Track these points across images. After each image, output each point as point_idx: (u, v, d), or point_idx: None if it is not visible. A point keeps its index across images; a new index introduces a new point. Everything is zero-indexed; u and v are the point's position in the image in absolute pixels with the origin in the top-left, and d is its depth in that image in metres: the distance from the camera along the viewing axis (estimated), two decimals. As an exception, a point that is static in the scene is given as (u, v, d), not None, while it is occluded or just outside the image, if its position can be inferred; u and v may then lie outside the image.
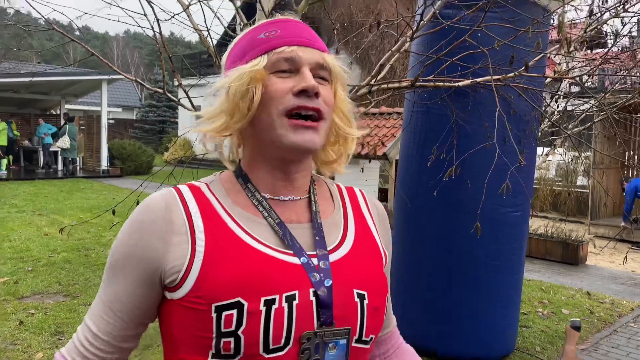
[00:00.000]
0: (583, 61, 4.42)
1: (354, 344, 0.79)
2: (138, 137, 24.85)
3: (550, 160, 11.53)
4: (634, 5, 3.06)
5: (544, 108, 4.90)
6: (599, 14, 2.94)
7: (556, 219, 9.33)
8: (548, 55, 3.38)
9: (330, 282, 0.78)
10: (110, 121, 17.40)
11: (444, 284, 3.47)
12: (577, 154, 10.92)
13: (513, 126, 3.14)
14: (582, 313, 4.81)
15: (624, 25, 3.41)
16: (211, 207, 0.81)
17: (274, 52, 0.79)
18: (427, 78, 2.58)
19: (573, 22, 4.02)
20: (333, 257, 0.81)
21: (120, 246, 0.80)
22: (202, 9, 2.74)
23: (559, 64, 4.42)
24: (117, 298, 0.80)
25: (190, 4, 2.69)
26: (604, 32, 4.81)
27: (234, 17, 3.41)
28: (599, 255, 7.08)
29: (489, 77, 2.44)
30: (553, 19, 3.46)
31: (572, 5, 3.18)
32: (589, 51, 6.56)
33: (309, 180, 0.89)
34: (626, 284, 5.89)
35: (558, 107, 4.51)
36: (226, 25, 3.32)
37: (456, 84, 2.52)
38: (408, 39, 2.46)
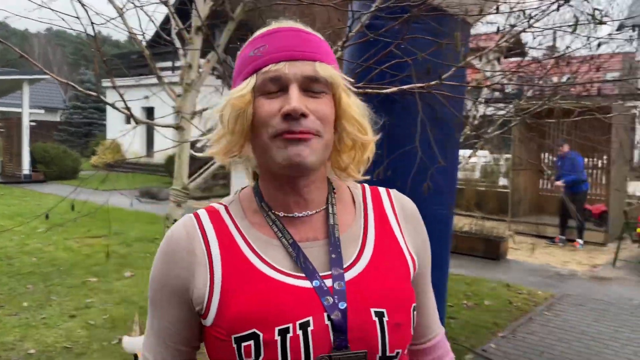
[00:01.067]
0: (502, 70, 4.80)
1: None
2: (63, 140, 23.65)
3: (475, 162, 12.22)
4: (539, 20, 3.36)
5: (465, 114, 5.24)
6: (507, 28, 3.23)
7: (480, 217, 9.91)
8: (467, 64, 3.65)
9: (345, 304, 0.76)
10: (32, 123, 16.44)
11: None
12: (498, 156, 11.63)
13: (437, 130, 3.37)
14: (502, 304, 5.19)
15: (534, 38, 3.76)
16: (228, 234, 0.82)
17: (260, 72, 0.78)
18: (358, 85, 2.74)
19: (489, 34, 4.36)
20: (349, 275, 0.79)
21: (153, 279, 0.85)
22: (138, 14, 2.75)
23: (480, 72, 4.75)
24: (166, 328, 0.84)
25: (124, 10, 2.69)
26: (523, 42, 5.24)
27: (167, 19, 3.42)
28: (518, 250, 7.61)
29: (413, 85, 2.63)
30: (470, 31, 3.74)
31: (484, 22, 3.46)
32: (510, 59, 7.07)
33: (324, 191, 0.86)
34: (542, 276, 6.39)
35: (478, 112, 4.86)
36: (160, 27, 3.33)
37: (384, 90, 2.70)
38: (339, 48, 2.61)
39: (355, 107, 0.82)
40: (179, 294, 0.81)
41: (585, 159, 9.96)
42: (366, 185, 0.94)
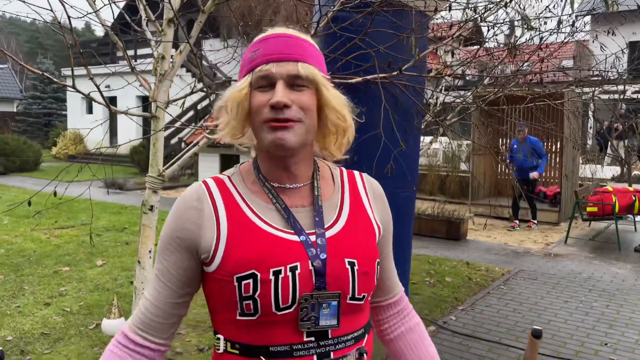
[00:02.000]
0: (460, 60, 5.05)
1: (348, 301, 0.98)
2: (21, 132, 22.95)
3: (437, 148, 12.60)
4: (493, 14, 3.60)
5: (425, 101, 5.49)
6: (464, 19, 3.45)
7: (442, 200, 10.28)
8: (427, 54, 3.88)
9: (325, 255, 0.96)
10: (-12, 114, 15.93)
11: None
12: (459, 141, 12.02)
13: (399, 117, 3.59)
14: (461, 280, 5.52)
15: (488, 30, 4.00)
16: (232, 197, 1.01)
17: (255, 71, 0.98)
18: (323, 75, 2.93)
19: (447, 23, 4.59)
20: (329, 233, 1.00)
21: (165, 231, 1.02)
22: (112, 9, 2.85)
23: (439, 61, 5.00)
24: (167, 271, 1.01)
25: (100, 7, 2.78)
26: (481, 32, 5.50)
27: (131, 8, 3.49)
28: (478, 231, 8.00)
29: (376, 75, 2.83)
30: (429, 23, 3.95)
31: (439, 16, 3.68)
32: (468, 48, 7.36)
33: (310, 168, 1.06)
34: (499, 254, 6.77)
35: (437, 100, 5.11)
36: (130, 19, 3.41)
37: (349, 80, 2.89)
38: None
39: (335, 99, 1.01)
40: (186, 244, 0.99)
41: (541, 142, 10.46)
42: (343, 168, 1.15)
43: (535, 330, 1.69)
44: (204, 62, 16.93)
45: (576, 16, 3.86)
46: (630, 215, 7.84)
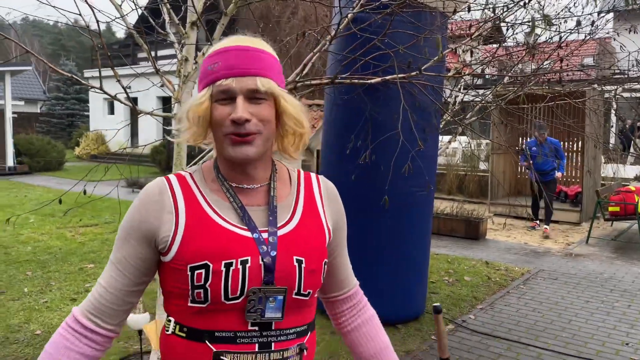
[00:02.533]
0: (480, 59, 5.04)
1: (294, 296, 1.05)
2: (45, 132, 23.44)
3: (456, 148, 12.53)
4: (514, 12, 3.61)
5: (444, 101, 5.49)
6: (484, 17, 3.46)
7: (461, 200, 10.24)
8: (447, 53, 3.89)
9: (275, 252, 1.03)
10: (13, 115, 16.32)
11: (365, 257, 3.92)
12: (479, 140, 11.94)
13: (418, 117, 3.62)
14: (480, 279, 5.51)
15: (507, 29, 4.01)
16: (192, 193, 1.07)
17: (215, 85, 1.02)
18: (344, 75, 2.97)
19: (466, 21, 4.59)
20: (281, 232, 1.06)
21: (126, 221, 1.07)
22: (137, 11, 2.93)
23: (459, 60, 5.00)
24: (124, 259, 1.06)
25: (127, 12, 2.87)
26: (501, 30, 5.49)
27: (154, 10, 3.57)
28: (497, 230, 7.96)
29: (395, 76, 2.87)
30: (450, 22, 3.97)
31: (458, 16, 3.69)
32: (490, 46, 7.32)
33: (268, 170, 1.12)
34: (519, 253, 6.73)
35: (456, 100, 5.11)
36: (154, 21, 3.50)
37: (369, 81, 2.93)
38: (327, 42, 2.82)
39: (292, 107, 1.07)
40: (145, 234, 1.04)
41: (561, 143, 10.35)
42: (301, 170, 1.22)
43: (435, 307, 1.89)
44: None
45: (598, 14, 3.84)
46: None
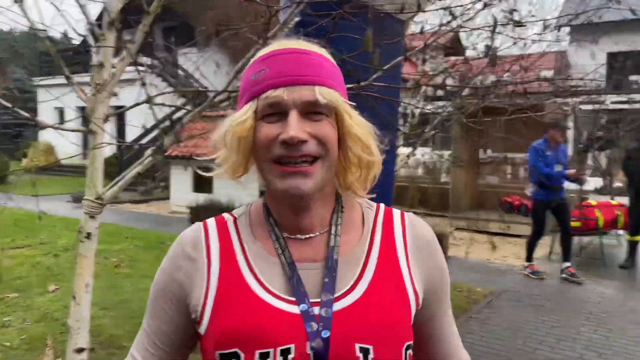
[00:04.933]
0: (438, 70, 4.79)
1: None
2: (-10, 143, 22.24)
3: (416, 157, 12.38)
4: (470, 20, 3.33)
5: (403, 113, 5.20)
6: (441, 26, 3.17)
7: (423, 213, 10.01)
8: (402, 64, 3.57)
9: (328, 333, 0.75)
10: (-47, 125, 15.34)
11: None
12: (440, 153, 11.82)
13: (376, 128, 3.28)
14: (443, 303, 5.20)
15: (467, 38, 3.74)
16: (230, 248, 0.85)
17: (260, 97, 0.78)
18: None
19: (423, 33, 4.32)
20: (342, 304, 0.78)
21: (156, 281, 0.88)
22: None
23: (417, 71, 4.72)
24: (159, 329, 0.87)
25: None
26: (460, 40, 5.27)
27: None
28: (458, 246, 7.72)
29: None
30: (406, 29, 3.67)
31: (414, 21, 3.41)
32: (450, 58, 7.13)
33: (329, 209, 0.86)
34: (481, 272, 6.49)
35: (414, 113, 4.83)
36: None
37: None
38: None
39: (359, 127, 0.82)
40: (178, 297, 0.84)
41: (522, 155, 10.31)
42: (382, 206, 0.92)
43: None
44: (179, 72, 16.56)
45: (558, 25, 3.63)
46: (614, 231, 7.63)
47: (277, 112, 0.78)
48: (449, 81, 4.74)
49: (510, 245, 8.16)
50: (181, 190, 10.79)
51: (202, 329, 0.81)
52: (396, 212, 0.92)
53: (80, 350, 2.72)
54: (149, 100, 2.61)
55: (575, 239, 8.20)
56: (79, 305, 2.74)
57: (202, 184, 10.56)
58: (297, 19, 2.90)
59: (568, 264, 6.06)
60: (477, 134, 8.14)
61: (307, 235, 0.83)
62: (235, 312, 0.78)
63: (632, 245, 6.79)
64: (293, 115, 0.77)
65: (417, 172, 12.50)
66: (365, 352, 0.76)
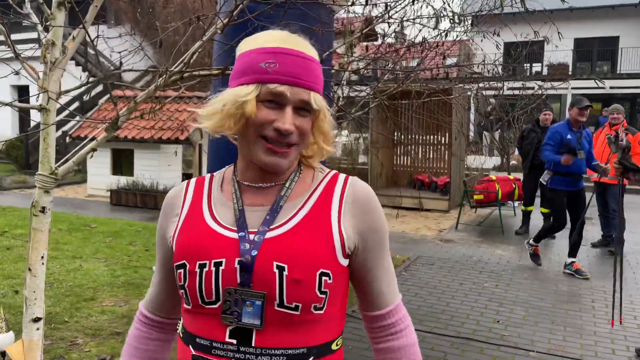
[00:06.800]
0: (360, 55, 5.18)
1: (277, 308, 0.93)
2: None
3: (338, 142, 12.90)
4: (397, 12, 3.73)
5: (332, 94, 5.56)
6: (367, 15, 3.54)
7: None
8: (334, 50, 3.92)
9: (256, 252, 0.95)
10: None
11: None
12: (359, 135, 12.40)
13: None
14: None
15: (389, 26, 4.14)
16: (200, 196, 1.09)
17: (266, 86, 0.96)
18: (234, 67, 2.84)
19: (350, 18, 4.69)
20: (272, 233, 0.97)
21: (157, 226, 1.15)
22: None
23: (343, 56, 5.09)
24: (160, 261, 1.16)
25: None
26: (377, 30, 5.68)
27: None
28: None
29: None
30: (337, 19, 4.00)
31: (345, 8, 3.74)
32: (367, 43, 7.57)
33: (289, 171, 1.06)
34: (399, 242, 7.10)
35: (342, 94, 5.20)
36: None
37: (261, 73, 2.83)
38: (219, 30, 2.67)
39: (327, 125, 1.05)
40: (163, 236, 1.12)
41: (431, 136, 11.14)
42: (333, 172, 1.11)
43: None
44: (90, 51, 15.77)
45: (463, 16, 4.13)
46: (510, 202, 8.61)
47: (276, 102, 0.96)
48: (372, 66, 5.15)
49: (422, 218, 8.90)
50: (99, 173, 10.46)
51: (172, 251, 1.05)
52: (342, 175, 1.09)
53: (37, 320, 2.83)
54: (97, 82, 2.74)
55: (478, 210, 9.14)
56: (35, 277, 2.83)
57: (121, 166, 10.33)
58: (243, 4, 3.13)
59: (573, 259, 5.53)
60: (393, 116, 8.73)
61: (265, 185, 1.04)
62: (188, 235, 1.02)
63: (526, 215, 7.73)
64: (289, 110, 0.96)
65: (336, 154, 13.04)
66: (280, 269, 0.93)
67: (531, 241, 5.89)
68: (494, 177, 8.45)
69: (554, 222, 5.57)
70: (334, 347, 1.02)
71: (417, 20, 3.27)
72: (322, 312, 0.98)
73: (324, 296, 0.96)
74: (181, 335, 1.05)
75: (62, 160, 2.97)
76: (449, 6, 3.91)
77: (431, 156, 11.24)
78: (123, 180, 9.98)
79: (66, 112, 11.99)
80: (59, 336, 3.73)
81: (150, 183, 9.74)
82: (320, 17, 3.45)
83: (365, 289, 1.08)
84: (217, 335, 0.96)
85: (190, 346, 0.99)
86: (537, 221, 7.64)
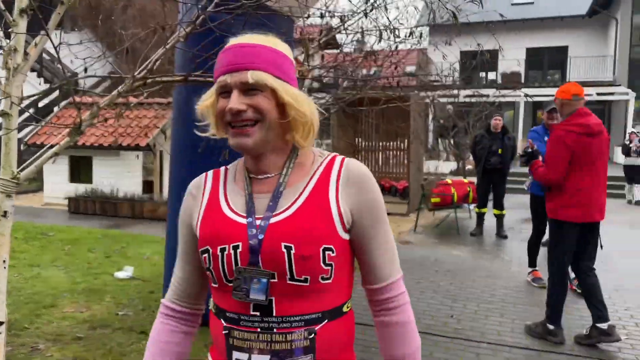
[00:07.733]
0: (320, 63, 5.35)
1: (289, 282, 1.05)
2: None
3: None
4: (353, 23, 3.92)
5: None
6: (325, 26, 3.71)
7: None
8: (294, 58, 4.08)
9: (262, 236, 1.07)
10: None
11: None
12: (320, 141, 12.59)
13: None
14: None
15: (347, 35, 4.34)
16: (217, 187, 1.21)
17: (217, 81, 1.11)
18: (197, 74, 2.94)
19: (310, 28, 4.85)
20: (276, 219, 1.08)
21: (179, 216, 1.25)
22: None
23: (302, 64, 5.25)
24: (183, 249, 1.25)
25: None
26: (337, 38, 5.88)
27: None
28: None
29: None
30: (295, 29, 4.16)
31: (304, 18, 3.91)
32: (327, 52, 7.76)
33: (282, 158, 1.16)
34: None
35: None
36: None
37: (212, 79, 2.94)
38: (182, 39, 2.77)
39: (291, 98, 1.09)
40: (187, 222, 1.23)
41: (390, 142, 11.44)
42: (332, 154, 1.20)
43: None
44: (45, 56, 15.41)
45: (419, 27, 4.37)
46: (466, 204, 8.96)
47: (226, 91, 1.09)
48: (331, 74, 5.33)
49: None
50: (56, 181, 10.24)
51: (197, 238, 1.17)
52: (340, 157, 1.19)
53: (-1, 324, 2.84)
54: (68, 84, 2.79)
55: (436, 213, 9.45)
56: (-3, 281, 2.84)
57: (79, 174, 10.15)
58: (205, 14, 3.24)
59: (534, 267, 5.51)
60: (353, 123, 8.96)
61: (265, 176, 1.15)
62: (209, 223, 1.14)
63: (480, 217, 8.06)
64: (235, 93, 1.07)
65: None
66: (288, 248, 1.05)
67: (528, 270, 5.57)
68: (449, 181, 8.77)
69: (534, 229, 5.39)
70: (344, 309, 1.14)
71: (372, 32, 3.45)
72: (330, 281, 1.08)
73: (329, 268, 1.08)
74: (214, 311, 1.16)
75: (23, 165, 3.00)
76: (405, 17, 4.13)
77: (391, 162, 11.52)
78: (82, 188, 9.82)
79: (24, 117, 11.68)
80: (20, 342, 3.71)
81: (110, 190, 9.62)
82: (280, 27, 3.60)
83: (362, 262, 1.18)
84: (244, 309, 1.08)
85: (221, 319, 1.12)
86: (490, 222, 7.98)
